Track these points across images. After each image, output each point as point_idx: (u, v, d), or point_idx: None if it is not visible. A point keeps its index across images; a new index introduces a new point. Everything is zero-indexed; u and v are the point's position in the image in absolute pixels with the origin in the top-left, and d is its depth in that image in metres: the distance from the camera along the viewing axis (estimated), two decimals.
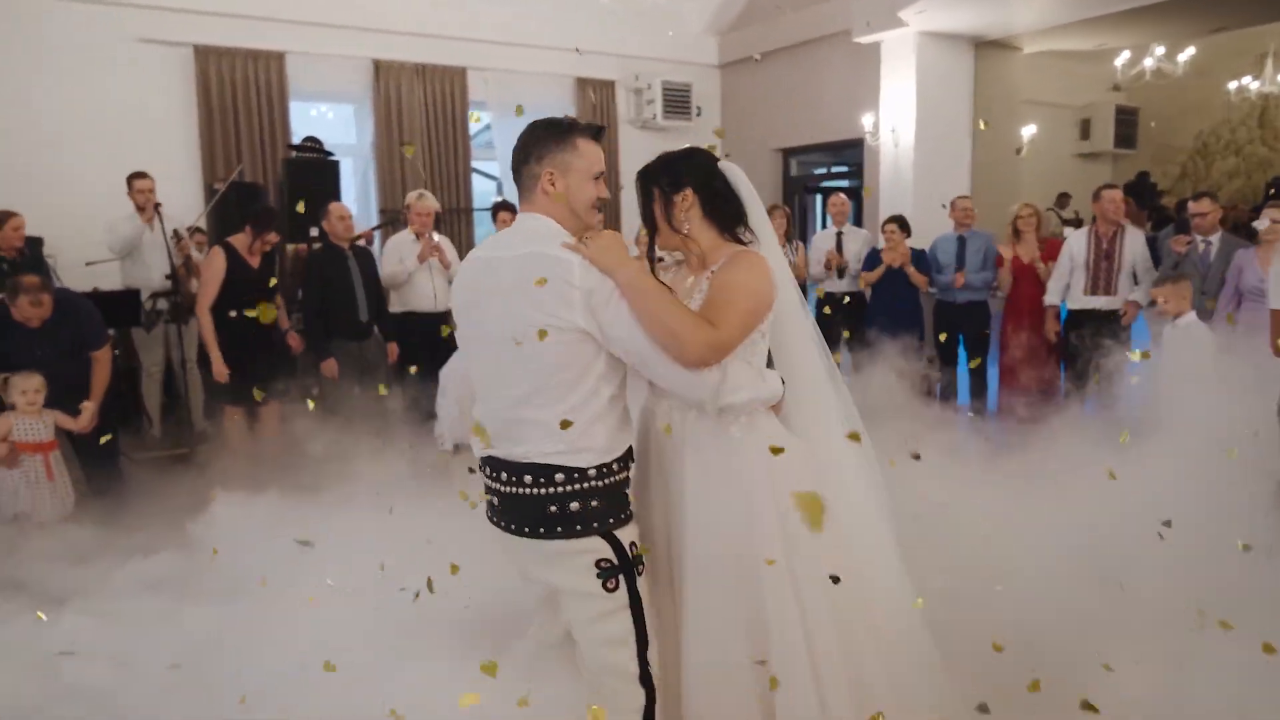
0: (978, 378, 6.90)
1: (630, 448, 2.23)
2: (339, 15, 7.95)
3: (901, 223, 6.92)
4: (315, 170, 6.79)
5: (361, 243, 6.56)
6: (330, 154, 7.06)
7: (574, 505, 2.10)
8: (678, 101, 9.41)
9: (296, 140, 7.57)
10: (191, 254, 6.62)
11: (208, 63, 7.58)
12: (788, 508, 2.16)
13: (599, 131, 2.27)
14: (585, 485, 2.11)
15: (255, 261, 5.64)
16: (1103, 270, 6.32)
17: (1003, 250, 6.79)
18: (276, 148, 7.74)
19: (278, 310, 6.15)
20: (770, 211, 7.23)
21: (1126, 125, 12.84)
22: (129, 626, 3.15)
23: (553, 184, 2.17)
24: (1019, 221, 6.82)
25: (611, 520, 2.15)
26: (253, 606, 3.02)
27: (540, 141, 2.20)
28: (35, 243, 6.67)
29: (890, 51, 8.31)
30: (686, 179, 2.31)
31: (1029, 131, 9.92)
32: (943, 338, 6.76)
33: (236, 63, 7.67)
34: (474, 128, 8.98)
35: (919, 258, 6.91)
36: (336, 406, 5.78)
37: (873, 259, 7.08)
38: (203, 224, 7.16)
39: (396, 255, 6.30)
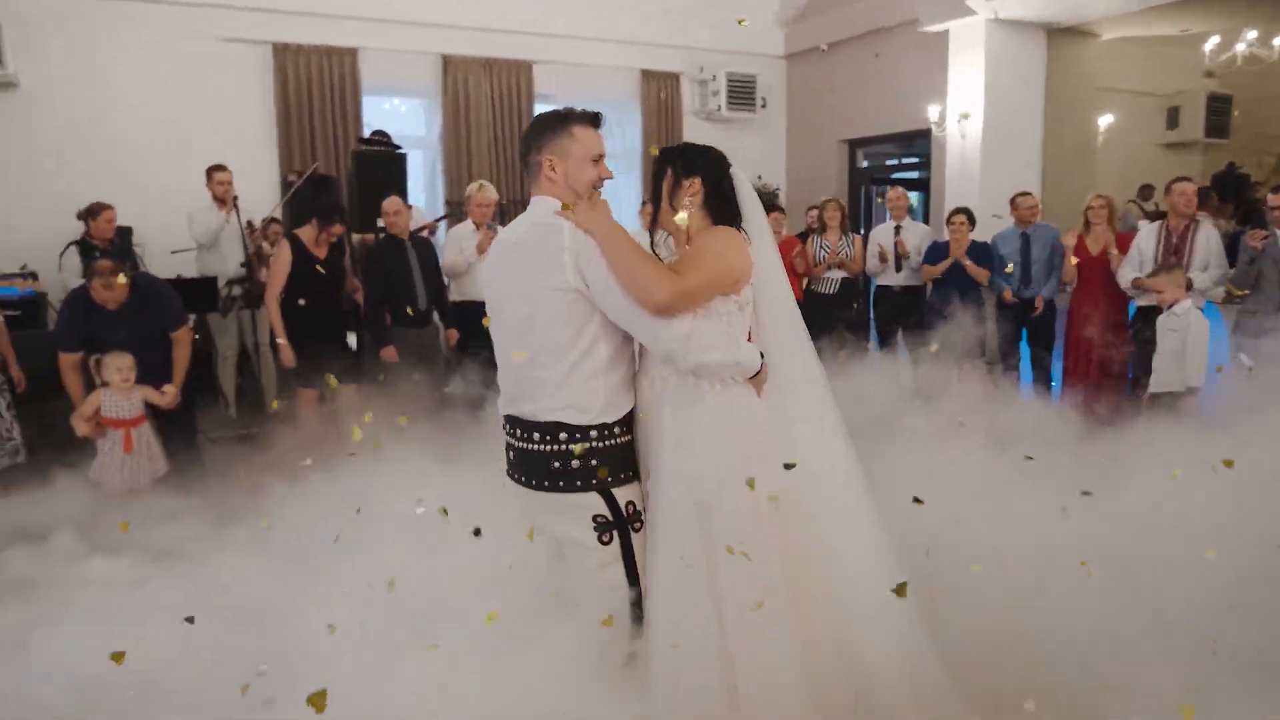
0: (1041, 371, 6.78)
1: (630, 417, 2.38)
2: (410, 12, 8.20)
3: (970, 215, 6.81)
4: (383, 163, 7.01)
5: (425, 234, 6.76)
6: (398, 147, 7.28)
7: (575, 463, 2.30)
8: (743, 93, 9.40)
9: (367, 134, 7.84)
10: (262, 246, 6.92)
11: (285, 60, 7.90)
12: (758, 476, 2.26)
13: (596, 118, 2.44)
14: (586, 444, 2.29)
15: (321, 253, 5.87)
16: (1170, 265, 6.12)
17: (1067, 240, 6.62)
18: (349, 141, 8.02)
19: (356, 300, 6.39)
20: (824, 204, 7.21)
21: (1218, 114, 12.28)
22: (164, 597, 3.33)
23: (553, 169, 2.36)
24: (1090, 213, 6.64)
25: (610, 479, 2.32)
26: (287, 588, 3.17)
27: (540, 131, 2.40)
28: (125, 232, 7.07)
29: (958, 40, 8.16)
30: (700, 168, 2.47)
31: (1106, 121, 9.64)
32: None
33: (312, 59, 7.98)
34: None
35: (980, 250, 6.79)
36: (397, 391, 6.03)
37: (934, 253, 6.98)
38: (279, 215, 7.46)
39: (457, 245, 6.48)
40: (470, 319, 6.39)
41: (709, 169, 2.47)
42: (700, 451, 2.28)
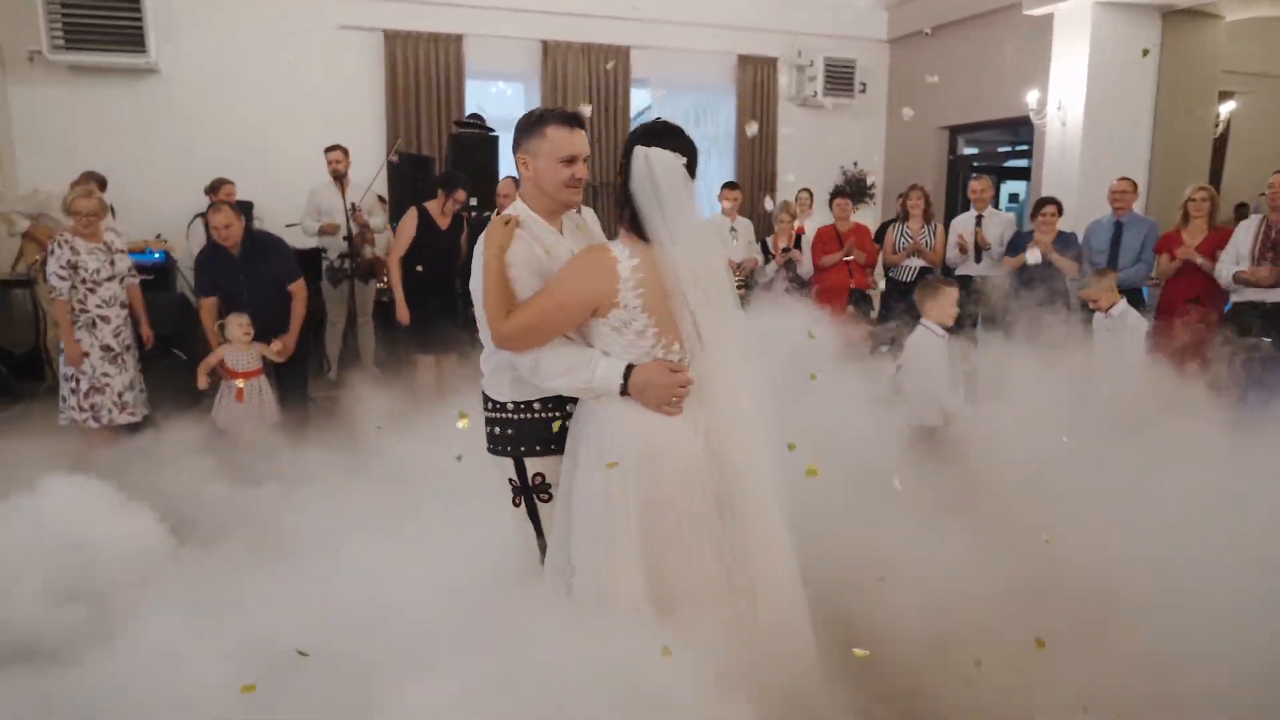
0: None
1: (559, 398, 2.50)
2: None
3: (1059, 206, 6.67)
4: (477, 145, 7.37)
5: None
6: (491, 130, 7.63)
7: (496, 429, 2.57)
8: (840, 78, 9.36)
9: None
10: (369, 222, 7.39)
11: (395, 46, 8.38)
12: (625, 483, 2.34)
13: (572, 118, 2.50)
14: (503, 415, 2.54)
15: (445, 223, 6.23)
16: (1267, 261, 5.85)
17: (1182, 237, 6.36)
18: (449, 124, 8.44)
19: None
20: (908, 191, 7.16)
21: None
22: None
23: (525, 167, 2.49)
24: (1190, 205, 6.37)
25: (523, 449, 2.54)
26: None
27: (518, 131, 2.53)
28: (246, 206, 7.67)
29: (1063, 23, 7.91)
30: (623, 164, 2.38)
31: (1228, 108, 9.11)
32: None
33: (420, 45, 8.43)
34: (637, 107, 9.30)
35: (1066, 241, 6.63)
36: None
37: (1016, 243, 6.86)
38: (383, 193, 7.96)
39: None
40: None
41: (624, 163, 2.35)
42: (576, 454, 2.41)
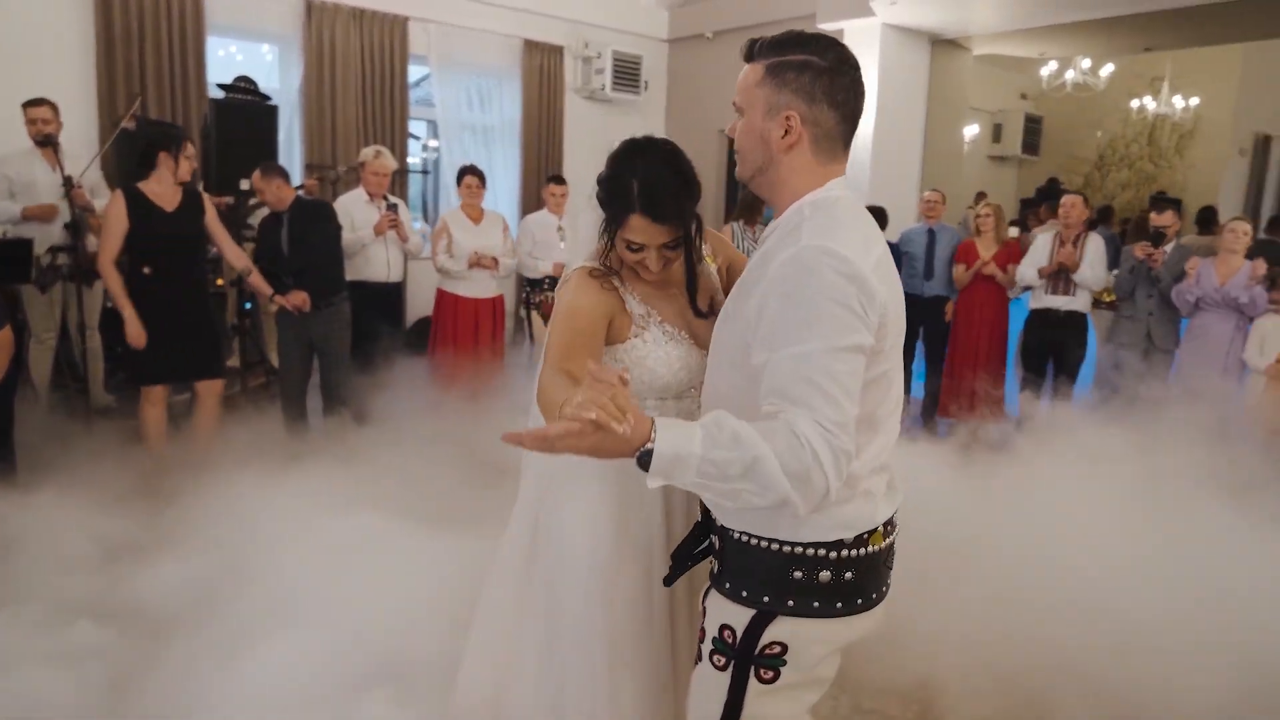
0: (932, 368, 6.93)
1: None
2: None
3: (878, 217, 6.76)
4: (249, 114, 5.93)
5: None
6: (268, 98, 6.21)
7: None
8: (628, 74, 8.91)
9: (217, 80, 6.66)
10: (93, 204, 5.69)
11: None
12: None
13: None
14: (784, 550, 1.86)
15: (170, 204, 4.69)
16: (1063, 272, 6.36)
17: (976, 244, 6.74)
18: (189, 86, 6.79)
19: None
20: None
21: (1032, 133, 13.33)
22: None
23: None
24: (980, 221, 6.83)
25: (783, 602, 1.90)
26: None
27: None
28: None
29: (853, 41, 8.07)
30: None
31: (972, 132, 10.01)
32: None
33: None
34: (413, 77, 8.17)
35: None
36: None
37: None
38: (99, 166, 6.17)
39: (348, 220, 5.60)
40: (365, 302, 5.58)
41: None
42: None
